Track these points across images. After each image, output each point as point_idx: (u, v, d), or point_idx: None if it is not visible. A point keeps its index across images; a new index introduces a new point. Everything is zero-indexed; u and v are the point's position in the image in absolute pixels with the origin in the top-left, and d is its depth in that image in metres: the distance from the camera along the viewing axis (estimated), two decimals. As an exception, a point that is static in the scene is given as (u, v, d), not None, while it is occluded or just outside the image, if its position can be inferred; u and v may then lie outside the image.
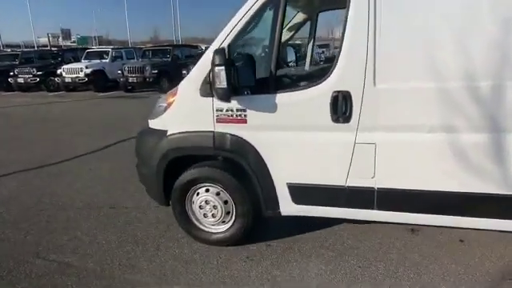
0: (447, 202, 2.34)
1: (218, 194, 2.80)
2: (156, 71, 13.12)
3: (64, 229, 3.35)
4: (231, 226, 2.86)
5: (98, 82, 14.41)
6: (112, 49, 16.18)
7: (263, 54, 2.78)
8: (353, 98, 2.29)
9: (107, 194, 4.10)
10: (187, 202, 2.91)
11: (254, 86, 2.49)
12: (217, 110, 2.59)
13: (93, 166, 5.15)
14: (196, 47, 17.43)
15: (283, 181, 2.59)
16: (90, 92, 14.34)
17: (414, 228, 3.11)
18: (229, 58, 2.35)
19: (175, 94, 2.77)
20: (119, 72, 13.52)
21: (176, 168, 2.91)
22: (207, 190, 2.82)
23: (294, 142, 2.50)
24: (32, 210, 3.78)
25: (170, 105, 2.78)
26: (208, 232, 2.93)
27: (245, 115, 2.54)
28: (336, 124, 2.36)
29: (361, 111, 2.30)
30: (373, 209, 2.48)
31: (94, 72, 14.22)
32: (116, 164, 5.15)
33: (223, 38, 2.50)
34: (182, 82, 2.76)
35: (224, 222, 2.87)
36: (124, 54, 15.95)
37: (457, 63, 2.15)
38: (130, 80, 13.34)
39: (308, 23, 4.00)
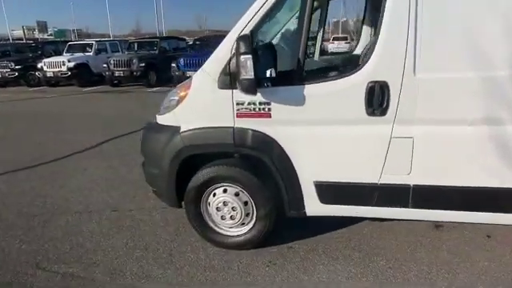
0: (487, 198, 2.22)
1: (236, 194, 2.59)
2: (143, 64, 12.64)
3: (64, 235, 3.08)
4: (251, 228, 2.66)
5: (82, 76, 13.81)
6: (96, 41, 15.55)
7: (289, 42, 2.57)
8: (390, 89, 2.12)
9: (107, 196, 3.83)
10: (202, 204, 2.69)
11: (278, 77, 2.29)
12: (237, 104, 2.37)
13: (87, 165, 4.84)
14: (184, 40, 16.96)
15: (310, 179, 2.41)
16: (74, 87, 13.74)
17: (437, 224, 3.00)
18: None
19: (189, 87, 2.53)
20: (104, 65, 12.97)
21: (188, 167, 2.70)
22: (225, 191, 2.61)
23: (323, 137, 2.31)
24: (25, 215, 3.48)
25: (182, 98, 2.54)
26: (225, 235, 2.73)
27: (269, 109, 2.33)
28: (371, 117, 2.18)
29: (398, 103, 2.13)
30: (407, 207, 2.33)
31: (77, 66, 13.61)
32: (111, 162, 4.86)
33: (244, 24, 2.27)
34: (197, 74, 2.52)
35: (243, 224, 2.67)
36: (108, 46, 15.33)
37: (503, 52, 2.00)
38: (117, 74, 12.82)
39: (318, 12, 3.81)
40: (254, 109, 2.35)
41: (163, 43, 14.39)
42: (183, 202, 2.76)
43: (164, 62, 12.69)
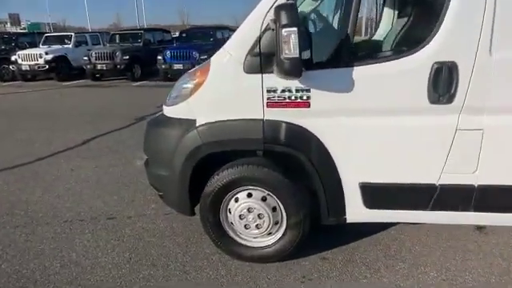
0: None
1: (264, 199, 2.20)
2: (127, 57, 11.94)
3: (53, 250, 2.60)
4: (280, 238, 2.27)
5: (61, 69, 12.96)
6: (75, 33, 14.68)
7: (333, 17, 2.18)
8: (459, 71, 1.76)
9: (100, 201, 3.35)
10: (222, 211, 2.28)
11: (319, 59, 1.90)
12: (268, 91, 1.97)
13: (74, 165, 4.32)
14: (169, 32, 16.25)
15: (355, 180, 2.04)
16: (53, 81, 12.89)
17: (478, 226, 2.69)
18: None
19: (206, 72, 2.10)
20: (85, 58, 12.21)
21: (204, 168, 2.28)
22: (249, 195, 2.21)
23: (373, 130, 1.94)
24: (4, 225, 2.98)
25: (198, 86, 2.12)
26: (249, 247, 2.33)
27: (307, 97, 1.94)
28: (434, 105, 1.82)
29: (469, 88, 1.78)
30: (468, 210, 2.00)
31: (55, 58, 12.74)
32: (101, 162, 4.36)
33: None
34: (216, 55, 2.10)
35: (270, 233, 2.29)
36: (89, 38, 14.49)
37: None
38: (99, 67, 12.09)
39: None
40: (290, 97, 1.95)
41: (148, 35, 13.69)
42: (197, 209, 2.35)
43: (149, 55, 12.09)
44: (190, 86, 2.18)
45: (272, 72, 1.92)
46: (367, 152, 1.98)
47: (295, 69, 1.73)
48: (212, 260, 2.41)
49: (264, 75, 1.95)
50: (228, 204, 2.27)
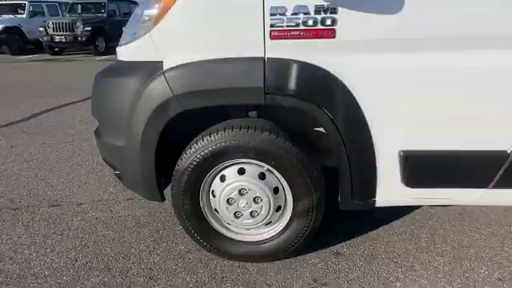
0: None
1: (261, 176, 1.57)
2: (89, 28, 10.75)
3: (-34, 252, 1.89)
4: (282, 230, 1.67)
5: (14, 42, 11.61)
6: (29, 2, 13.14)
7: None
8: None
9: (43, 184, 2.61)
10: (202, 194, 1.64)
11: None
12: (272, 14, 1.32)
13: (15, 142, 3.49)
14: (135, 3, 14.92)
15: (394, 147, 1.44)
16: (5, 55, 11.48)
17: (515, 208, 2.21)
18: None
19: (178, -11, 1.41)
20: (41, 29, 10.91)
21: (175, 135, 1.63)
22: (241, 172, 1.58)
23: (431, 73, 1.33)
24: None
25: (167, 9, 1.43)
26: (240, 242, 1.71)
27: (333, 21, 1.30)
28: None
29: None
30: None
31: (6, 29, 11.35)
32: (50, 138, 3.56)
33: None
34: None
35: (269, 223, 1.68)
36: (45, 8, 13.04)
37: None
38: (57, 39, 10.83)
39: None
40: (305, 22, 1.31)
41: (112, 6, 12.44)
42: (168, 192, 1.70)
43: (114, 27, 10.96)
44: (153, 11, 1.48)
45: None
46: (417, 106, 1.38)
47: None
48: (189, 260, 1.78)
49: (266, -10, 1.29)
50: (211, 184, 1.63)
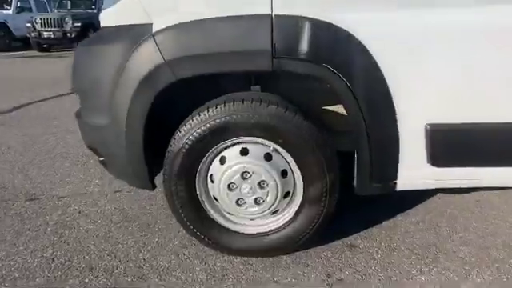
0: None
1: (267, 157, 1.37)
2: (79, 24, 10.44)
3: None
4: (291, 219, 1.46)
5: (1, 38, 11.26)
6: (16, -2, 12.78)
7: None
8: None
9: (21, 177, 2.36)
10: (199, 179, 1.43)
11: None
12: (281, -39, 1.13)
13: (-7, 134, 3.25)
14: None
15: (420, 120, 1.25)
16: (-10, 52, 11.15)
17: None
18: None
19: None
20: (28, 25, 10.56)
21: (167, 111, 1.43)
22: (244, 152, 1.37)
23: (466, 29, 1.15)
24: None
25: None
26: (243, 234, 1.50)
27: (352, -31, 1.11)
28: None
29: None
30: None
31: (-8, 25, 11.03)
32: (32, 130, 3.30)
33: None
34: None
35: (276, 212, 1.47)
36: (33, 4, 12.67)
37: None
38: (45, 35, 10.46)
39: None
40: (320, -30, 1.12)
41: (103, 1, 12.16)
42: (160, 180, 1.49)
43: (105, 23, 10.68)
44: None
45: None
46: (448, 71, 1.19)
47: None
48: (184, 256, 1.57)
49: None
50: (209, 168, 1.42)
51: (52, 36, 10.55)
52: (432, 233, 1.70)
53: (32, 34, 10.66)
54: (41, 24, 10.50)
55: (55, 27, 10.50)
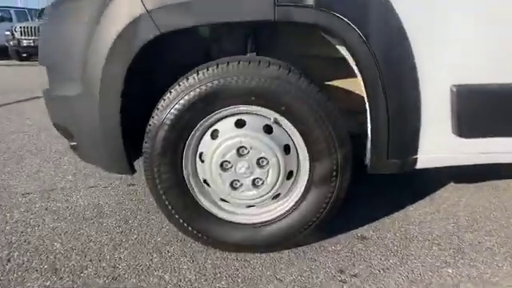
0: None
1: (267, 129, 1.17)
2: (61, 33, 10.21)
3: None
4: (295, 205, 1.24)
5: (-23, 48, 10.85)
6: (-5, 7, 12.45)
7: None
8: None
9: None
10: (186, 159, 1.21)
11: None
12: None
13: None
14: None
15: (444, 81, 1.07)
16: (-34, 62, 10.69)
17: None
18: None
19: None
20: (7, 33, 10.23)
21: (147, 78, 1.22)
22: (240, 124, 1.17)
23: None
24: None
25: None
26: (238, 225, 1.27)
27: None
28: None
29: None
30: None
31: (-31, 34, 10.61)
32: (1, 130, 3.02)
33: None
34: None
35: (278, 197, 1.26)
36: (14, 14, 12.35)
37: None
38: (25, 43, 10.14)
39: None
40: None
41: (86, 11, 11.93)
42: (140, 160, 1.26)
43: (88, 32, 10.42)
44: None
45: None
46: (478, 22, 1.02)
47: None
48: (168, 254, 1.32)
49: None
50: (198, 144, 1.21)
51: (32, 44, 10.20)
52: (450, 222, 1.51)
53: (11, 43, 10.33)
54: (21, 32, 10.19)
55: (35, 36, 10.19)
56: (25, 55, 10.84)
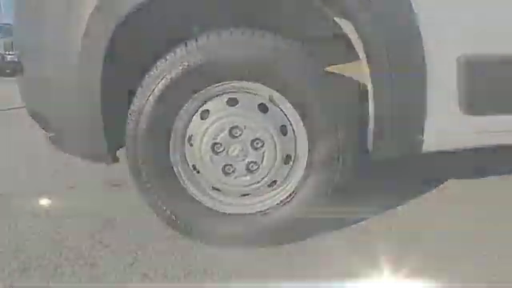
0: None
1: (263, 108, 1.08)
2: (47, 48, 10.08)
3: None
4: (293, 192, 1.14)
5: (-41, 64, 10.60)
6: (-20, 23, 12.29)
7: None
8: None
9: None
10: (174, 142, 1.10)
11: None
12: None
13: None
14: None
15: (451, 51, 1.01)
16: None
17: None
18: None
19: None
20: (-9, 48, 10.08)
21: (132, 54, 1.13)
22: (232, 102, 1.07)
23: None
24: None
25: None
26: (231, 216, 1.16)
27: None
28: None
29: None
30: None
31: (-50, 50, 10.40)
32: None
33: None
34: None
35: (274, 183, 1.15)
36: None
37: None
38: (9, 58, 9.99)
39: None
40: None
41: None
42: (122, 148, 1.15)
43: (75, 47, 10.32)
44: None
45: None
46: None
47: None
48: (153, 250, 1.19)
49: None
50: (187, 126, 1.11)
51: (16, 60, 10.04)
52: (458, 216, 1.41)
53: (-5, 58, 10.15)
54: (4, 47, 10.04)
55: (21, 51, 10.04)
56: (8, 71, 10.67)
